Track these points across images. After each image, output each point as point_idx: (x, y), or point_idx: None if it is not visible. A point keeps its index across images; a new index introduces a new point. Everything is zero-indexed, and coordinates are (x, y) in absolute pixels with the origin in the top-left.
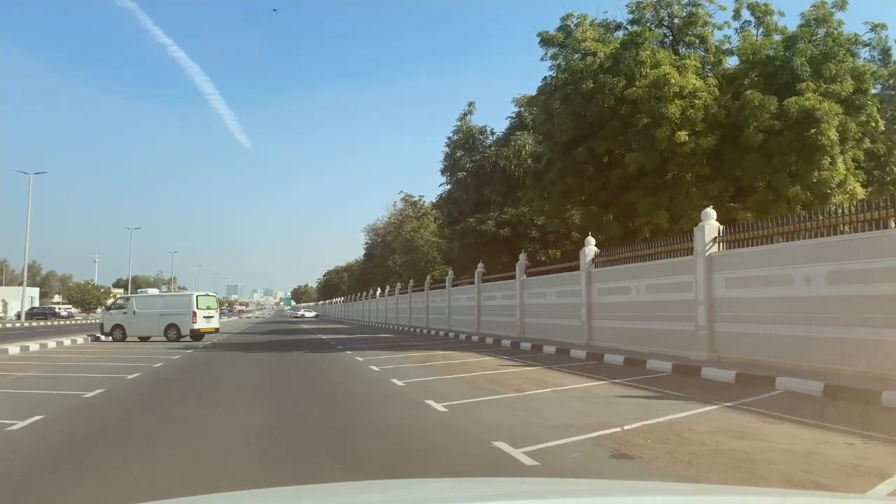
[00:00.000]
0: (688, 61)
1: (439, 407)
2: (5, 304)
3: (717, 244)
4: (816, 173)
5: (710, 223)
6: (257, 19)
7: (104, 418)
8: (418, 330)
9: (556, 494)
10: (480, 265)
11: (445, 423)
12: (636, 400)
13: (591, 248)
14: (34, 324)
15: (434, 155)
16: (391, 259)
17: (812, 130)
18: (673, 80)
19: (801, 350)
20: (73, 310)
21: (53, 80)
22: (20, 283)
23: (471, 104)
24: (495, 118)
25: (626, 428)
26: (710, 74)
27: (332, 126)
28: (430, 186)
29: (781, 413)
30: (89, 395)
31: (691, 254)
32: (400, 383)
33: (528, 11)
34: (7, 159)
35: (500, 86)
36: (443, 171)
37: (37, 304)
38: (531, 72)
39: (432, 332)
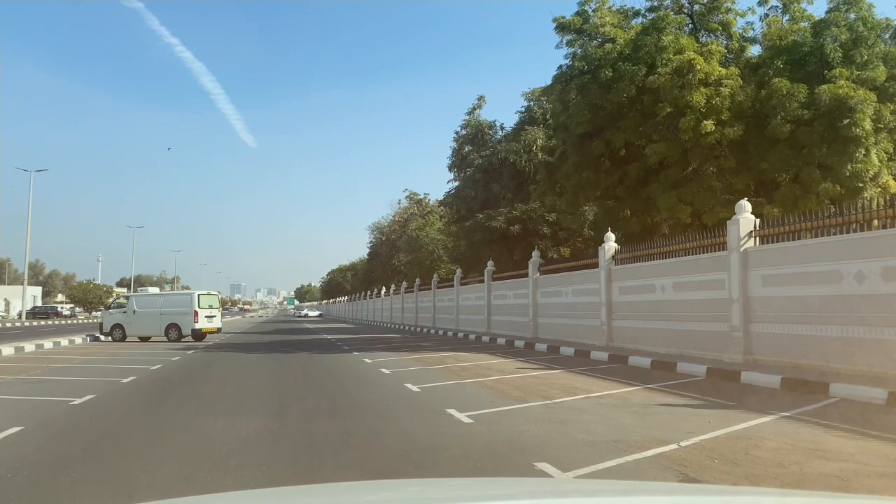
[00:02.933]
0: (713, 47)
1: (464, 418)
2: (8, 304)
3: (752, 239)
4: (849, 166)
5: (745, 216)
6: (258, 19)
7: (90, 429)
8: (425, 330)
9: (558, 495)
10: (491, 263)
11: (475, 439)
12: (680, 409)
13: (610, 244)
14: (35, 323)
15: (438, 153)
16: (396, 258)
17: (845, 120)
18: (699, 67)
19: (850, 353)
20: (77, 309)
21: (58, 80)
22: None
23: (480, 98)
24: (498, 117)
25: (682, 444)
26: (731, 64)
27: (334, 126)
28: (434, 185)
29: (850, 425)
30: (78, 401)
31: (723, 249)
32: (415, 388)
33: (530, 10)
34: (11, 159)
35: (503, 85)
36: (450, 167)
37: (39, 303)
38: (534, 69)
39: (440, 333)
